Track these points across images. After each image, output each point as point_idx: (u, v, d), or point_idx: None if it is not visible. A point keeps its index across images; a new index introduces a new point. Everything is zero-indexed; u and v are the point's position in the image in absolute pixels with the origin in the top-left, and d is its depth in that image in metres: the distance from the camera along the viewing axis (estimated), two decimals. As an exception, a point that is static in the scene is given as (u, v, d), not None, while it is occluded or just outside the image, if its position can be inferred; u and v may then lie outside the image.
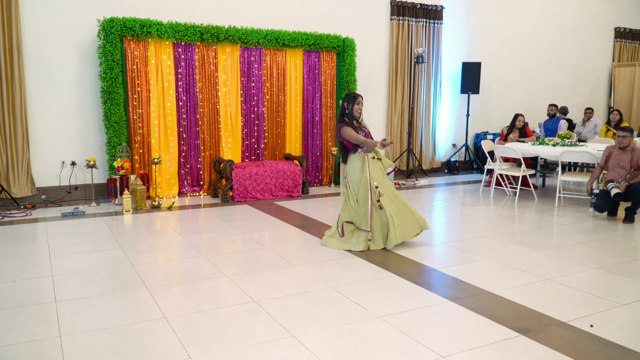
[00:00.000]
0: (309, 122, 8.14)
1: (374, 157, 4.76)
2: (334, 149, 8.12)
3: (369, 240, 4.69)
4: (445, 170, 9.95)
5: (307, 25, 8.05)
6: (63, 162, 6.86)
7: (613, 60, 12.00)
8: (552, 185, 8.46)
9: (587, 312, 3.36)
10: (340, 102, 4.89)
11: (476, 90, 9.58)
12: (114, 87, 6.56)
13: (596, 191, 6.16)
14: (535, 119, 10.56)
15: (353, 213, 4.76)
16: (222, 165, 7.04)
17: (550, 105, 9.03)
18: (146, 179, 6.96)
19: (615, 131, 8.03)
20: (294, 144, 8.07)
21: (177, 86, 7.12)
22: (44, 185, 6.79)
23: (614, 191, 5.76)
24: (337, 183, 8.24)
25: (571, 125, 9.56)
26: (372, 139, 4.80)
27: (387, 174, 4.88)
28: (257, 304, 3.46)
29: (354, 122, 4.77)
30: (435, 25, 9.42)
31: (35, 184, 6.71)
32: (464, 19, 9.92)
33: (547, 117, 9.07)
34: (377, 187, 4.65)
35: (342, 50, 8.13)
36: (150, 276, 3.99)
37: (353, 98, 4.72)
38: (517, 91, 10.70)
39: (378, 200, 4.63)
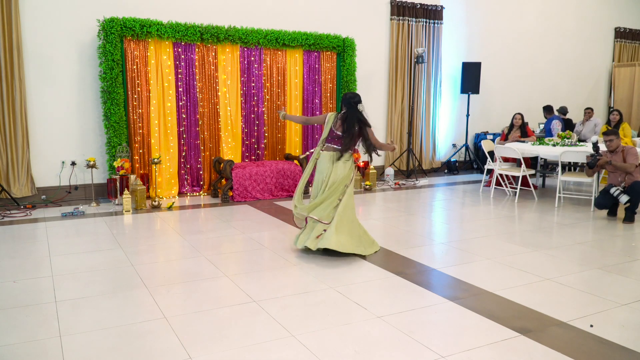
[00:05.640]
0: (309, 122, 8.14)
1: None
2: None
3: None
4: (445, 170, 9.95)
5: (307, 25, 8.05)
6: (63, 162, 6.85)
7: (613, 61, 12.00)
8: (552, 185, 8.46)
9: (587, 312, 3.36)
10: (359, 106, 4.75)
11: (476, 90, 9.58)
12: (114, 87, 6.56)
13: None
14: (535, 119, 10.55)
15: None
16: (222, 165, 7.04)
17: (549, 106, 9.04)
18: (146, 179, 6.96)
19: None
20: (294, 144, 8.07)
21: (177, 86, 7.12)
22: (44, 185, 6.79)
23: (623, 199, 5.79)
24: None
25: (571, 125, 9.56)
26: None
27: None
28: (257, 304, 3.46)
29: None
30: (435, 25, 9.42)
31: (35, 184, 6.71)
32: (464, 19, 9.92)
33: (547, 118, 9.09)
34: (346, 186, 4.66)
35: (342, 50, 8.12)
36: (150, 276, 3.99)
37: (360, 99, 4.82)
38: (517, 91, 10.70)
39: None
